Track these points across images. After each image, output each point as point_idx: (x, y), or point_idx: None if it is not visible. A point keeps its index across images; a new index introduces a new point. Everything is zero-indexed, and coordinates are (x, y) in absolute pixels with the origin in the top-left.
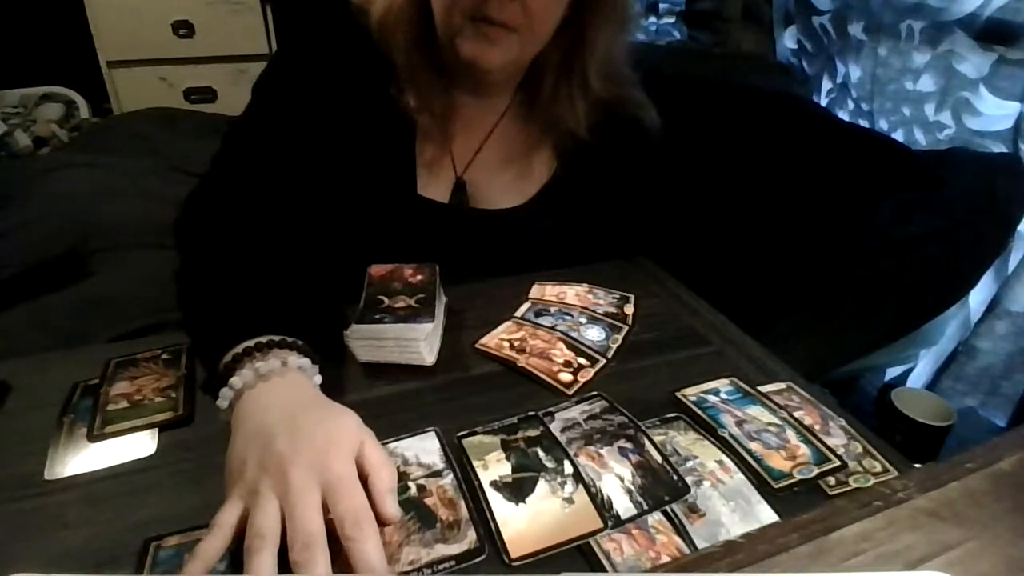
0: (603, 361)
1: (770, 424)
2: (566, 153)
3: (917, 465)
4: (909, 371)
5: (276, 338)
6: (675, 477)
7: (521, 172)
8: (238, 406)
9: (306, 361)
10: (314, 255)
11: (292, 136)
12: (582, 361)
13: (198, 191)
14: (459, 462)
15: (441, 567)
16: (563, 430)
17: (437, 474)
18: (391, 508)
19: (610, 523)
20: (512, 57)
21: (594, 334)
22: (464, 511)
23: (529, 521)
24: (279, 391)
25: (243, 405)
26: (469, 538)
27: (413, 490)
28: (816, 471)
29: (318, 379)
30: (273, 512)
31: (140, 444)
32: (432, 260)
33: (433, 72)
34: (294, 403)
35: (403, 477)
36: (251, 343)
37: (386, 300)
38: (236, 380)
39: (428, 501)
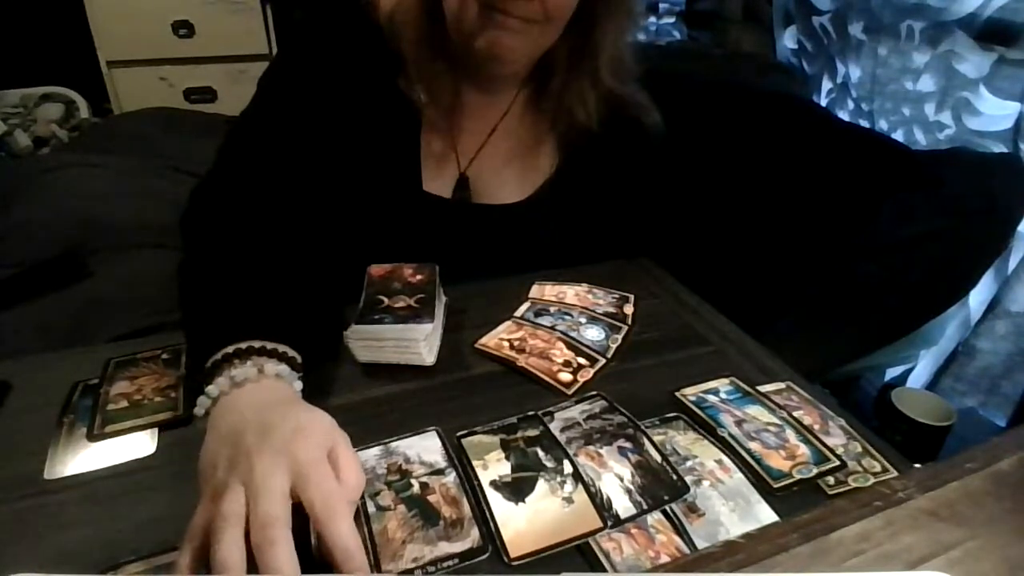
0: (603, 361)
1: (769, 424)
2: (570, 148)
3: (917, 465)
4: (909, 371)
5: (256, 344)
6: (675, 477)
7: (524, 167)
8: (213, 412)
9: (284, 368)
10: (317, 250)
11: (297, 129)
12: (582, 361)
13: (204, 185)
14: (459, 462)
15: (444, 565)
16: (563, 430)
17: (440, 472)
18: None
19: (609, 523)
20: (529, 49)
21: (594, 334)
22: (467, 509)
23: (529, 521)
24: (252, 395)
25: (217, 411)
26: (472, 536)
27: (416, 487)
28: (815, 471)
29: (298, 385)
30: (237, 499)
31: (140, 444)
32: (434, 254)
33: (442, 65)
34: (266, 404)
35: (405, 474)
36: (230, 349)
37: (386, 300)
38: (212, 388)
39: (431, 499)
